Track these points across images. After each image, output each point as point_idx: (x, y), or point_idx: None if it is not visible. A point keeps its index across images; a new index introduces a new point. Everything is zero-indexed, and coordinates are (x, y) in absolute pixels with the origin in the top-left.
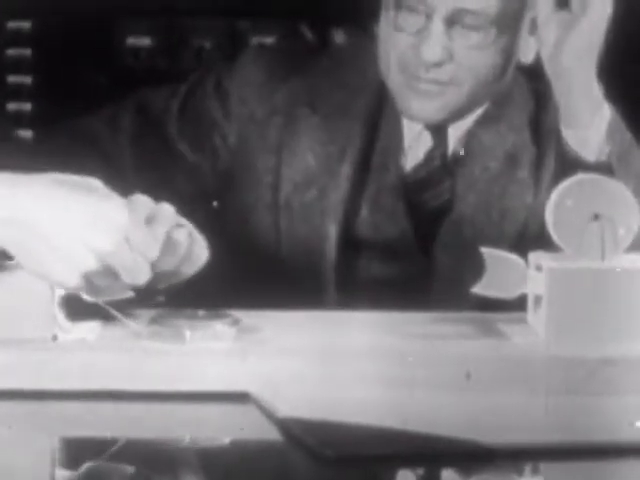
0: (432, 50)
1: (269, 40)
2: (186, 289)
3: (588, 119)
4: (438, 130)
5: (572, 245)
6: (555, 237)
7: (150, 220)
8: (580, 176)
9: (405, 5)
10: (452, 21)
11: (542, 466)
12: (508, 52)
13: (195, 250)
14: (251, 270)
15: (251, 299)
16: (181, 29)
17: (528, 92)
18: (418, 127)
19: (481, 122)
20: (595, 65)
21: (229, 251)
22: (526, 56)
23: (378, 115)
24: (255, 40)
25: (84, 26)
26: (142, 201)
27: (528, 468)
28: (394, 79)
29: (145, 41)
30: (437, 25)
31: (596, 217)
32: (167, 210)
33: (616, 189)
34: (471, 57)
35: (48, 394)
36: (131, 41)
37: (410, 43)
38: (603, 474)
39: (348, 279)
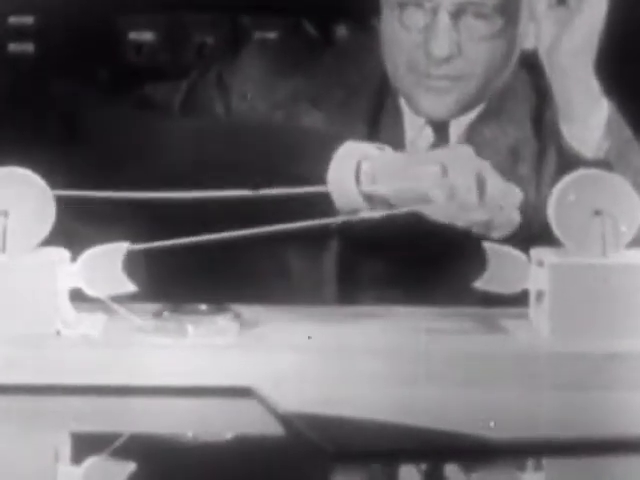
0: (441, 46)
1: (272, 35)
2: (185, 284)
3: (586, 115)
4: (440, 125)
5: (574, 240)
6: (557, 232)
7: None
8: (582, 172)
9: (411, 2)
10: (458, 14)
11: (545, 462)
12: (514, 40)
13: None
14: (251, 266)
15: (251, 295)
16: (183, 24)
17: (529, 86)
18: (420, 122)
19: (483, 116)
20: (593, 61)
21: (230, 246)
22: (529, 43)
23: (379, 110)
24: (258, 35)
25: (86, 21)
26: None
27: (531, 464)
28: (403, 79)
29: (147, 36)
30: (444, 19)
31: (598, 213)
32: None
33: (618, 184)
34: (480, 49)
35: (51, 389)
36: (133, 36)
37: (417, 41)
38: (607, 470)
39: (349, 274)
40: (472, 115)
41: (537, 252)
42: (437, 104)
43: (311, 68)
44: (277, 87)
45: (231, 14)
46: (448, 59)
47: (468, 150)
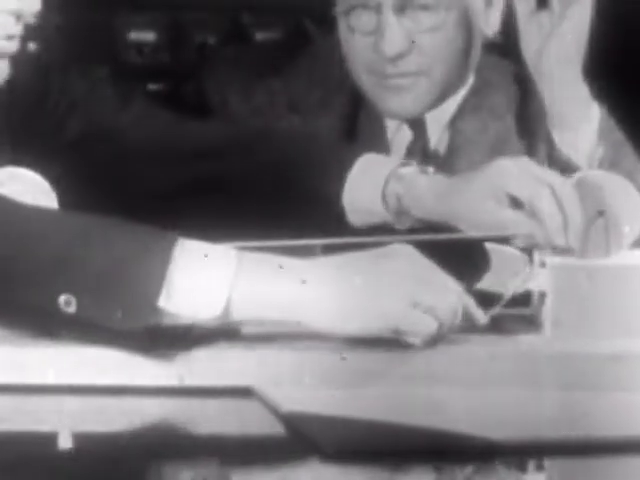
0: (391, 43)
1: (274, 35)
2: None
3: (577, 122)
4: (416, 123)
5: (577, 241)
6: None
7: None
8: (584, 172)
9: (355, 5)
10: (402, 9)
11: (547, 462)
12: (466, 29)
13: None
14: None
15: None
16: (184, 24)
17: (511, 77)
18: (396, 120)
19: (462, 112)
20: (580, 66)
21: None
22: (489, 29)
23: (358, 110)
24: (259, 35)
25: (87, 20)
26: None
27: (533, 464)
28: (364, 82)
29: (148, 36)
30: (389, 17)
31: (601, 213)
32: None
33: (621, 185)
34: (432, 41)
35: (50, 389)
36: (134, 36)
37: (369, 43)
38: (609, 470)
39: None
40: (450, 110)
41: (539, 253)
42: (400, 102)
43: (287, 71)
44: (255, 92)
45: (233, 13)
46: (401, 55)
47: (527, 161)
